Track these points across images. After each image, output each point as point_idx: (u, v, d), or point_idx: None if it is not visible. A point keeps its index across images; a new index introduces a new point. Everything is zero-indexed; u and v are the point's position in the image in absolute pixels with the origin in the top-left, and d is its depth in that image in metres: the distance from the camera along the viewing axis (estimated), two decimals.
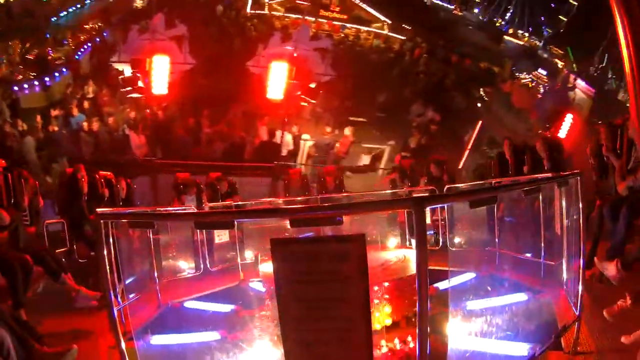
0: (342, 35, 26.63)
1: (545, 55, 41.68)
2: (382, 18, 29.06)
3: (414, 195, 8.10)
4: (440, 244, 7.16)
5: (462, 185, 8.26)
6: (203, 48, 18.48)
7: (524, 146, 8.17)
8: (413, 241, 5.07)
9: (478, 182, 8.14)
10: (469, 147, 20.21)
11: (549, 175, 6.12)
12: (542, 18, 47.58)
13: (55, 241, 7.43)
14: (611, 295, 4.38)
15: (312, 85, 18.21)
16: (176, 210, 7.67)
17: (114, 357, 4.16)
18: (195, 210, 7.23)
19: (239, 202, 8.99)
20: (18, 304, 4.66)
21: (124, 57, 17.75)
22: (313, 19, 25.89)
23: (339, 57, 22.59)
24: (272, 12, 24.52)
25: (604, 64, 41.80)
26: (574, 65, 40.67)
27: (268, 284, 4.56)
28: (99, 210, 3.10)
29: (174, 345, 4.27)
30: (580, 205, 3.74)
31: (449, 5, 39.43)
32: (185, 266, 6.89)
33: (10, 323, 3.43)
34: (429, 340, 2.19)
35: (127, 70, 15.42)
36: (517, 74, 33.19)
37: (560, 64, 38.30)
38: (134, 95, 14.17)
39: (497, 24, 42.54)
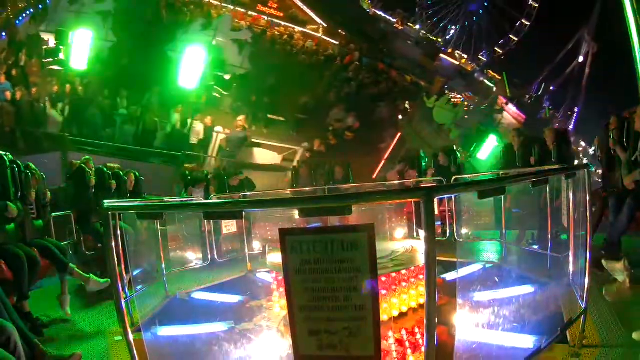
0: (277, 32, 26.46)
1: (482, 78, 42.42)
2: (318, 21, 29.26)
3: (423, 185, 8.11)
4: (447, 235, 7.16)
5: (469, 175, 8.24)
6: (126, 27, 17.51)
7: (532, 138, 8.15)
8: (420, 232, 5.06)
9: (485, 173, 8.11)
10: (385, 157, 20.34)
11: (557, 167, 6.11)
12: (485, 43, 48.89)
13: (63, 233, 7.49)
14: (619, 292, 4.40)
15: (227, 77, 18.25)
16: (185, 201, 7.70)
17: (122, 349, 4.22)
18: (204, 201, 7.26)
19: (247, 193, 9.03)
20: (22, 296, 4.71)
21: (51, 26, 17.21)
22: (252, 13, 26.33)
23: (262, 52, 22.27)
24: (211, 0, 24.10)
25: (539, 93, 42.27)
26: (508, 90, 41.34)
27: (276, 275, 4.57)
28: (107, 202, 3.10)
29: (181, 336, 4.29)
30: (588, 198, 3.72)
31: (391, 19, 39.96)
32: (193, 257, 6.91)
33: (16, 322, 3.47)
34: (436, 331, 2.20)
35: (51, 41, 15.39)
36: (447, 92, 33.62)
37: (493, 87, 38.87)
38: (55, 67, 14.12)
39: (436, 42, 43.25)
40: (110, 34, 17.19)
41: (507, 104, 36.04)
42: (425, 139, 22.65)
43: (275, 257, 4.55)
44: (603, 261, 4.65)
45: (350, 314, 2.23)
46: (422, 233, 4.94)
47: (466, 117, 28.77)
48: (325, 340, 2.28)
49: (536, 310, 3.99)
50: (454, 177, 7.79)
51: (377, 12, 39.51)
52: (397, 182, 9.69)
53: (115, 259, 3.03)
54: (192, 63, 14.49)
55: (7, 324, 2.98)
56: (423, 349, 3.51)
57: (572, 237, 4.09)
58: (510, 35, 47.80)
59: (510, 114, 35.01)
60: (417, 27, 44.20)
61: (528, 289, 4.61)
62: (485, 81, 43.26)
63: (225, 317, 4.62)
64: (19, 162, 5.16)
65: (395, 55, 32.86)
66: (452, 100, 34.04)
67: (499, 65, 46.04)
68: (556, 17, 47.68)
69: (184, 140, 15.59)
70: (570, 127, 38.76)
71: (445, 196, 5.95)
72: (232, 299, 5.50)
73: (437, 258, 2.20)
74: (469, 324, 3.63)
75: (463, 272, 5.24)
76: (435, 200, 2.21)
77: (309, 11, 29.18)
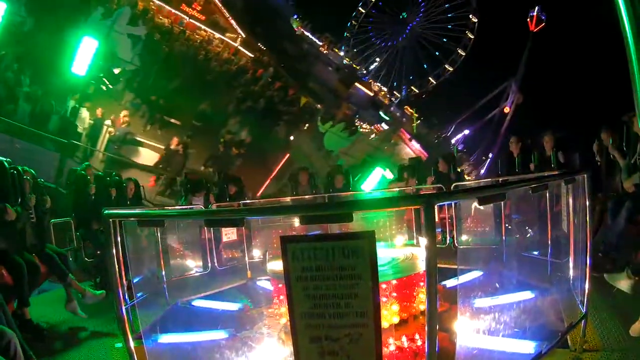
0: (197, 36, 26.45)
1: (397, 113, 43.14)
2: (239, 30, 29.23)
3: (423, 192, 8.12)
4: (448, 242, 7.16)
5: (469, 182, 8.26)
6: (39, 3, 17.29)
7: (531, 144, 8.17)
8: (420, 239, 5.08)
9: (485, 179, 8.14)
10: (272, 175, 20.45)
11: (556, 172, 6.13)
12: (405, 79, 49.84)
13: (63, 240, 7.50)
14: (620, 297, 4.40)
15: (116, 70, 18.26)
16: (185, 209, 7.71)
17: (122, 356, 4.22)
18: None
19: (246, 201, 9.04)
20: (23, 303, 4.71)
21: None
22: (176, 11, 26.01)
23: (168, 51, 22.20)
24: None
25: (448, 134, 42.89)
26: (415, 126, 41.99)
27: (276, 282, 4.57)
28: (108, 209, 3.09)
29: (182, 344, 4.28)
30: (587, 203, 3.73)
31: (317, 41, 40.41)
32: (193, 265, 6.91)
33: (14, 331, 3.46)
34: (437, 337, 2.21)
35: None
36: (358, 122, 34.62)
37: (396, 122, 39.50)
38: None
39: (358, 71, 44.03)
40: (23, 9, 16.89)
41: (410, 139, 36.67)
42: (313, 164, 22.73)
43: (276, 265, 4.56)
44: (605, 275, 4.64)
45: (352, 321, 2.24)
46: (422, 240, 4.95)
47: (354, 146, 29.12)
48: (327, 347, 2.29)
49: (537, 316, 3.99)
50: (453, 184, 7.80)
51: (305, 32, 39.96)
52: (396, 189, 9.69)
53: (116, 266, 3.03)
54: (85, 51, 14.62)
55: (7, 329, 2.97)
56: (425, 355, 3.53)
57: (572, 242, 4.10)
58: (445, 65, 49.26)
59: (413, 149, 35.59)
60: (342, 53, 45.19)
61: (528, 294, 4.61)
62: (398, 115, 44.22)
63: (226, 324, 4.62)
64: (18, 167, 5.17)
65: (310, 77, 33.51)
66: (361, 129, 35.41)
67: (419, 103, 48.24)
68: (483, 65, 49.10)
69: (73, 128, 15.46)
70: (482, 172, 39.33)
71: (446, 203, 5.96)
72: (233, 306, 5.50)
73: (437, 265, 2.21)
74: (469, 330, 3.62)
75: (463, 278, 5.24)
76: (435, 207, 2.23)
77: (231, 19, 29.15)
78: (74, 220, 7.44)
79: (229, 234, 7.02)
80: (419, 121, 45.18)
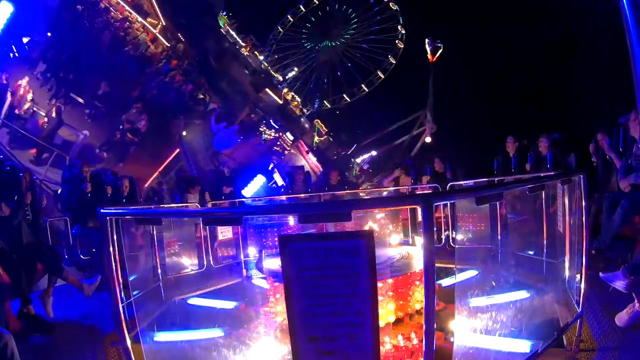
0: (119, 15, 25.72)
1: (306, 125, 43.44)
2: (160, 17, 29.06)
3: (419, 192, 8.13)
4: (443, 241, 7.17)
5: (465, 182, 8.27)
6: None
7: (527, 145, 8.22)
8: (417, 238, 5.09)
9: (480, 179, 8.14)
10: (160, 169, 20.48)
11: (552, 173, 6.15)
12: (319, 92, 50.74)
13: (58, 237, 7.48)
14: (614, 294, 4.41)
15: (25, 39, 18.19)
16: (183, 207, 7.69)
17: (117, 355, 4.21)
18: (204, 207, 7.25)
19: (242, 200, 9.04)
20: (25, 301, 4.74)
21: None
22: None
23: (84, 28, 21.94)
24: None
25: (347, 153, 43.50)
26: (316, 140, 42.42)
27: (272, 281, 4.57)
28: (105, 207, 3.08)
29: (178, 342, 4.28)
30: (584, 204, 3.75)
31: (240, 41, 40.73)
32: (189, 263, 6.89)
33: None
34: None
35: None
36: (263, 127, 35.09)
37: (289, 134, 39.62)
38: None
39: (273, 78, 44.36)
40: None
41: (307, 152, 37.02)
42: (199, 163, 22.78)
43: (272, 263, 4.56)
44: (601, 274, 4.67)
45: (350, 320, 2.24)
46: (417, 239, 4.97)
47: (237, 150, 29.58)
48: (325, 346, 2.29)
49: (533, 315, 4.00)
50: (449, 184, 7.81)
51: (230, 30, 40.16)
52: (392, 188, 9.70)
53: (113, 264, 3.01)
54: None
55: (4, 331, 2.91)
56: (421, 354, 3.54)
57: (568, 242, 4.12)
58: (362, 85, 50.62)
59: (308, 162, 35.97)
60: (261, 57, 45.58)
61: (524, 294, 4.63)
62: (307, 127, 45.35)
63: (222, 323, 4.61)
64: (14, 164, 5.16)
65: (223, 76, 33.81)
66: (266, 135, 35.94)
67: (331, 119, 49.27)
68: (398, 92, 50.29)
69: None
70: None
71: (443, 202, 5.96)
72: (228, 305, 5.48)
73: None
74: (465, 329, 3.63)
75: (459, 277, 5.25)
76: (434, 206, 2.23)
77: (155, 4, 28.91)
78: (70, 218, 7.42)
79: (225, 232, 7.01)
80: (325, 136, 45.74)
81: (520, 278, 5.15)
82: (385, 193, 9.38)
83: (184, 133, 23.62)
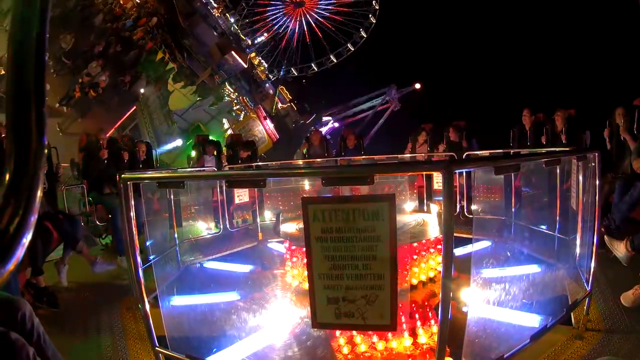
0: None
1: (270, 91, 42.82)
2: None
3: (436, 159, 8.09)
4: (457, 210, 7.18)
5: (480, 152, 8.22)
6: None
7: (543, 119, 8.14)
8: (432, 206, 5.09)
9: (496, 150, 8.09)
10: (116, 125, 20.30)
11: (569, 148, 6.11)
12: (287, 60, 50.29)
13: (75, 204, 7.57)
14: (624, 277, 4.42)
15: None
16: (204, 170, 7.72)
17: (134, 318, 4.30)
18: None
19: (259, 164, 9.07)
20: (37, 271, 4.75)
21: None
22: None
23: None
24: None
25: (307, 122, 42.77)
26: (276, 106, 41.66)
27: (289, 244, 4.62)
28: (125, 172, 3.08)
29: (195, 306, 4.36)
30: (597, 182, 3.74)
31: (212, 2, 40.33)
32: (205, 227, 6.96)
33: None
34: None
35: None
36: (226, 88, 34.76)
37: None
38: None
39: (243, 41, 43.84)
40: None
41: (265, 118, 36.65)
42: (152, 121, 22.53)
43: (289, 227, 4.60)
44: (606, 237, 4.67)
45: (369, 283, 2.28)
46: (433, 207, 4.97)
47: (191, 110, 28.98)
48: (343, 309, 2.33)
49: (543, 290, 4.02)
50: (465, 153, 7.78)
51: None
52: (408, 155, 9.64)
53: (134, 229, 3.04)
54: None
55: (20, 298, 2.72)
56: (432, 322, 3.59)
57: (580, 220, 4.11)
58: (331, 56, 50.50)
59: (266, 128, 35.61)
60: (232, 20, 45.00)
61: (535, 268, 4.65)
62: (271, 92, 44.68)
63: (238, 286, 4.69)
64: None
65: (190, 34, 33.34)
66: (228, 98, 35.71)
67: (296, 87, 48.81)
68: (367, 66, 49.56)
69: None
70: None
71: (465, 170, 5.93)
72: (245, 268, 5.58)
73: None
74: (477, 300, 3.67)
75: (471, 247, 5.26)
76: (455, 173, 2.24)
77: None
78: (86, 185, 7.50)
79: (241, 196, 7.06)
80: (289, 104, 45.35)
81: (532, 252, 5.17)
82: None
83: (142, 90, 23.45)
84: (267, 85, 44.74)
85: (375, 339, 3.32)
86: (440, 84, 48.88)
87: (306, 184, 6.65)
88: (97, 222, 7.35)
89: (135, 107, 22.01)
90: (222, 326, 3.84)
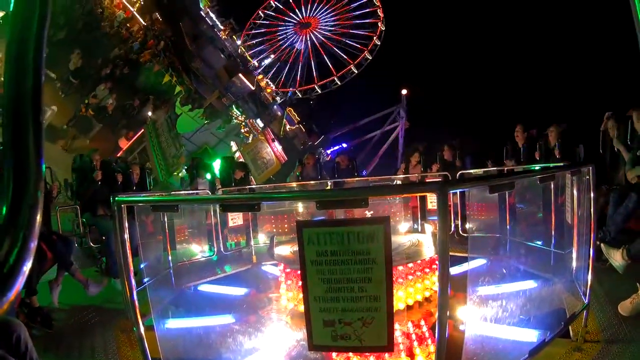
0: None
1: (278, 113, 43.36)
2: None
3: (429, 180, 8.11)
4: (452, 229, 7.18)
5: (474, 171, 8.25)
6: None
7: (536, 135, 8.20)
8: (426, 226, 5.10)
9: (490, 169, 8.15)
10: (125, 148, 20.58)
11: (563, 164, 6.15)
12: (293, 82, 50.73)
13: (69, 226, 7.52)
14: (620, 287, 4.43)
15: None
16: (196, 193, 7.71)
17: (129, 341, 4.25)
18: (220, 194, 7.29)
19: (253, 186, 9.06)
20: (31, 292, 4.71)
21: None
22: None
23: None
24: None
25: (314, 144, 43.30)
26: (284, 128, 42.24)
27: (283, 267, 4.60)
28: (118, 195, 3.07)
29: (190, 329, 4.33)
30: (592, 195, 3.76)
31: (219, 24, 40.73)
32: (199, 250, 6.93)
33: None
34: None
35: None
36: (232, 112, 34.84)
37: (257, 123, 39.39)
38: None
39: (249, 63, 44.31)
40: None
41: (273, 140, 37.00)
42: (161, 143, 22.74)
43: (283, 250, 4.59)
44: (602, 245, 4.68)
45: (365, 305, 2.27)
46: (427, 227, 4.98)
47: (198, 133, 29.12)
48: (340, 331, 2.32)
49: (540, 305, 4.03)
50: (459, 172, 7.80)
51: (210, 12, 40.08)
52: (401, 176, 9.67)
53: (128, 251, 3.03)
54: None
55: (15, 320, 2.71)
56: (429, 341, 3.57)
57: (576, 233, 4.13)
58: (335, 79, 50.85)
59: (274, 150, 35.95)
60: (239, 42, 45.61)
61: (532, 283, 4.65)
62: (279, 114, 45.04)
63: (233, 309, 4.66)
64: None
65: (197, 57, 33.52)
66: (236, 121, 35.72)
67: (304, 108, 48.95)
68: (373, 87, 50.18)
69: None
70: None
71: (459, 190, 5.97)
72: (239, 291, 5.53)
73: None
74: (474, 318, 3.66)
75: (467, 266, 5.25)
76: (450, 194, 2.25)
77: None
78: (80, 206, 7.46)
79: (235, 219, 7.04)
80: (297, 125, 45.72)
81: (528, 268, 5.17)
82: (395, 182, 9.36)
83: (150, 113, 23.52)
84: (274, 107, 44.96)
85: None
86: (433, 100, 49.28)
87: (300, 207, 6.65)
88: (92, 244, 7.30)
89: (143, 130, 22.05)
90: (217, 349, 3.83)
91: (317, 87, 51.20)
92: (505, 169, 7.83)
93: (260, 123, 39.87)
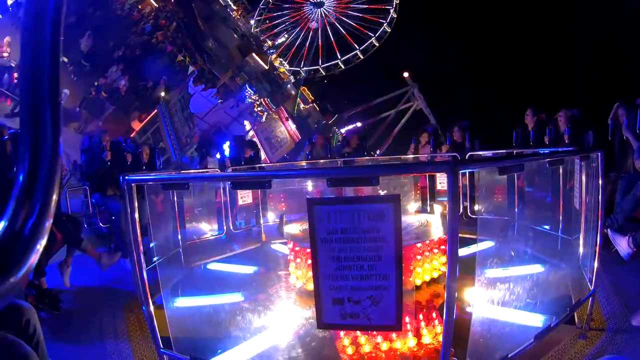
0: None
1: (292, 92, 42.63)
2: None
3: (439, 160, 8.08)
4: (460, 211, 7.16)
5: (484, 152, 8.21)
6: None
7: (545, 119, 8.14)
8: (435, 206, 5.10)
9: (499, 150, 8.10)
10: (138, 128, 20.55)
11: (572, 148, 6.11)
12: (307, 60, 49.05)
13: (78, 206, 7.58)
14: (627, 275, 4.42)
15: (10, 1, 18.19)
16: (208, 171, 7.72)
17: (138, 320, 4.30)
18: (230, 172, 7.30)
19: (262, 165, 9.07)
20: (39, 273, 4.76)
21: None
22: None
23: None
24: None
25: (328, 122, 42.41)
26: (298, 107, 41.59)
27: (292, 245, 4.63)
28: (128, 175, 3.08)
29: (199, 307, 4.36)
30: (601, 182, 3.74)
31: (232, 4, 39.90)
32: (208, 229, 6.96)
33: None
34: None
35: None
36: (248, 92, 34.23)
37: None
38: None
39: (263, 43, 43.29)
40: None
41: (287, 119, 36.61)
42: (174, 124, 22.57)
43: (293, 228, 4.61)
44: (608, 231, 4.67)
45: (375, 283, 2.28)
46: (436, 207, 4.99)
47: (210, 113, 29.07)
48: (349, 309, 2.34)
49: (546, 290, 4.02)
50: (469, 153, 7.77)
51: None
52: (411, 156, 9.64)
53: (138, 230, 3.05)
54: None
55: (24, 303, 2.71)
56: (436, 322, 3.59)
57: (584, 220, 4.11)
58: (339, 62, 49.51)
59: (287, 129, 35.54)
60: (252, 21, 44.82)
61: (538, 268, 4.64)
62: (293, 93, 44.32)
63: (242, 287, 4.68)
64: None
65: (210, 37, 33.52)
66: (249, 99, 35.19)
67: (318, 87, 48.47)
68: (388, 65, 49.04)
69: None
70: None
71: (469, 170, 5.95)
72: (249, 269, 5.57)
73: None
74: (481, 300, 3.67)
75: (475, 248, 5.24)
76: (460, 174, 2.24)
77: None
78: (89, 187, 7.51)
79: (245, 197, 7.06)
80: (311, 104, 45.28)
81: (535, 252, 5.17)
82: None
83: (162, 94, 23.53)
84: (288, 86, 44.53)
85: (379, 339, 3.33)
86: (443, 83, 48.68)
87: (309, 185, 6.64)
88: (101, 224, 7.36)
89: (156, 111, 22.09)
90: (226, 327, 3.84)
91: (340, 62, 50.11)
92: (515, 151, 7.78)
93: (272, 103, 39.77)
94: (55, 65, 0.91)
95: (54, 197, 0.89)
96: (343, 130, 43.95)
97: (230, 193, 6.51)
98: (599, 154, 3.75)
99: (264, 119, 35.75)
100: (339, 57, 48.98)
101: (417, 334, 3.45)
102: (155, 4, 28.69)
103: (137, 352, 3.82)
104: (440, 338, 2.36)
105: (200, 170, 8.30)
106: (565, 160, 4.43)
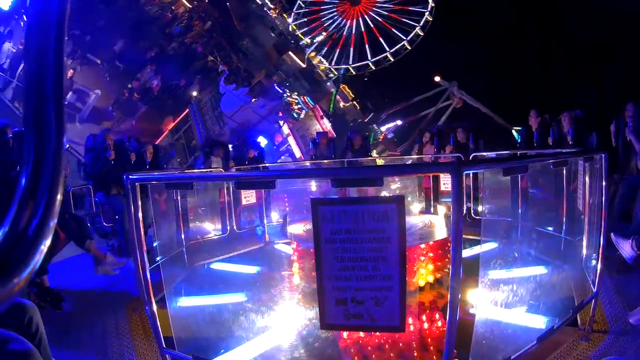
0: None
1: (332, 89, 42.37)
2: None
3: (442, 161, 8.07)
4: (464, 212, 7.15)
5: (488, 153, 8.21)
6: None
7: (550, 119, 8.12)
8: (439, 207, 5.09)
9: (502, 152, 8.08)
10: (170, 127, 20.71)
11: (576, 149, 6.10)
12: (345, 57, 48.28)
13: (82, 205, 7.59)
14: (629, 277, 4.40)
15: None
16: (213, 171, 7.72)
17: (140, 320, 4.30)
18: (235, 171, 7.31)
19: (266, 165, 9.07)
20: (42, 270, 4.74)
21: None
22: None
23: None
24: None
25: (365, 120, 41.99)
26: (335, 105, 41.43)
27: (296, 245, 4.62)
28: (132, 174, 3.08)
29: (202, 307, 4.36)
30: (604, 184, 3.73)
31: (269, 3, 39.28)
32: (212, 228, 6.96)
33: None
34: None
35: None
36: (287, 91, 34.25)
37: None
38: None
39: (301, 40, 42.76)
40: None
41: (322, 117, 36.48)
42: (205, 123, 22.50)
43: (296, 228, 4.60)
44: (612, 234, 4.65)
45: (378, 284, 2.28)
46: (440, 208, 4.98)
47: (238, 112, 28.89)
48: (353, 310, 2.33)
49: (549, 292, 4.01)
50: (472, 154, 7.76)
51: None
52: (415, 157, 9.64)
53: (141, 229, 3.05)
54: None
55: (27, 301, 2.71)
56: (439, 323, 3.59)
57: (587, 221, 4.10)
58: (388, 54, 47.63)
59: (323, 127, 35.41)
60: (290, 20, 44.17)
61: (542, 269, 4.63)
62: (332, 91, 43.74)
63: (245, 287, 4.68)
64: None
65: (245, 36, 33.34)
66: (288, 99, 35.12)
67: (358, 85, 47.18)
68: (427, 63, 48.49)
69: None
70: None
71: (473, 171, 5.94)
72: (252, 269, 5.57)
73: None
74: (484, 301, 3.67)
75: (478, 249, 5.23)
76: (464, 175, 2.23)
77: None
78: (93, 186, 7.50)
79: (248, 197, 7.05)
80: (352, 102, 44.95)
81: (538, 253, 5.16)
82: (408, 162, 9.32)
83: (195, 93, 23.56)
84: (327, 84, 44.33)
85: (383, 340, 3.32)
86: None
87: (313, 185, 6.64)
88: (104, 223, 7.36)
89: (188, 110, 22.15)
90: (229, 327, 3.84)
91: (370, 64, 49.63)
92: (519, 152, 7.76)
93: (311, 101, 39.62)
94: (60, 66, 0.91)
95: (58, 197, 0.89)
96: (383, 129, 43.90)
97: (234, 193, 6.51)
98: (603, 155, 3.74)
99: (302, 116, 35.66)
100: (387, 49, 48.43)
101: (420, 335, 3.45)
102: (188, 5, 28.61)
103: (140, 351, 3.82)
104: (443, 339, 2.36)
105: (204, 170, 8.30)
106: (569, 162, 4.41)
